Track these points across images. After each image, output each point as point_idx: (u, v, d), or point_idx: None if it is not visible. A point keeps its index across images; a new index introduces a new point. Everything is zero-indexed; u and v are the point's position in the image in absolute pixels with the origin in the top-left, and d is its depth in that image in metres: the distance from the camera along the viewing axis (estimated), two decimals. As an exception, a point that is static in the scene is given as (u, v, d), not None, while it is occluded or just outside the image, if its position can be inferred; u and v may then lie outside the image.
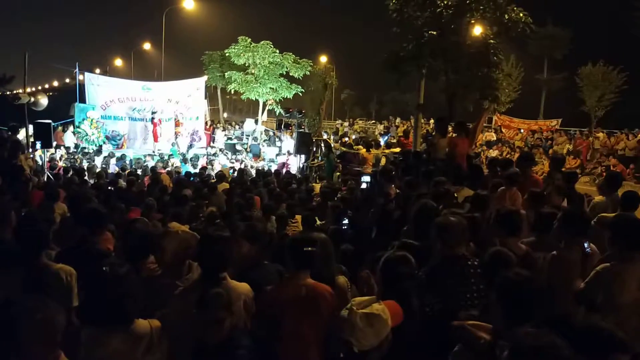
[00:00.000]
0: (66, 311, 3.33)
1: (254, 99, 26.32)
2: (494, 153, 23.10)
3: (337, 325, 2.83)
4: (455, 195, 6.22)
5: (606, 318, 3.44)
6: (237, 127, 29.60)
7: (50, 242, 4.05)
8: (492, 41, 10.76)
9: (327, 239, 3.77)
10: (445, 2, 10.51)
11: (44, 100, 14.73)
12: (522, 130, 25.34)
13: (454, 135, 9.16)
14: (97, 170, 14.86)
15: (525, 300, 2.55)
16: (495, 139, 25.75)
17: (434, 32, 10.78)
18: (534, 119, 27.90)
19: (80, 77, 22.79)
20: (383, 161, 14.94)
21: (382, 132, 30.16)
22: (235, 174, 14.51)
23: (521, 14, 10.50)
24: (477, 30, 10.74)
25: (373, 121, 40.03)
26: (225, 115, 29.28)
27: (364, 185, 8.66)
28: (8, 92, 36.34)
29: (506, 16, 10.54)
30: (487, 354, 2.50)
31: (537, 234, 4.52)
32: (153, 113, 22.24)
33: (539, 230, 4.51)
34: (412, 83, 13.42)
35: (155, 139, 22.19)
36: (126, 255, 4.05)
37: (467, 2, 10.46)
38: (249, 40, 25.08)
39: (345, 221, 6.73)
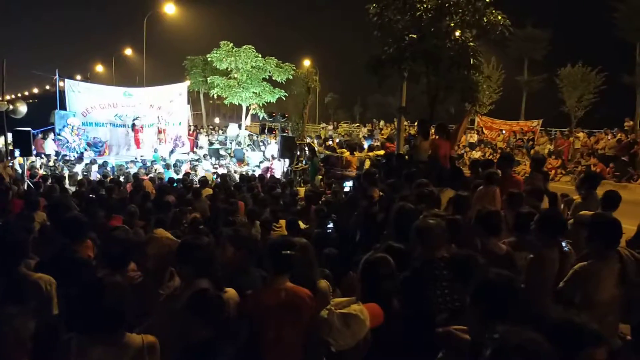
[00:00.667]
0: (48, 320, 3.32)
1: (237, 103, 26.25)
2: (476, 154, 23.33)
3: (316, 326, 2.84)
4: (439, 196, 6.25)
5: (583, 315, 3.50)
6: (220, 132, 29.50)
7: (29, 251, 4.00)
8: (471, 44, 10.84)
9: (307, 243, 3.78)
10: (425, 6, 10.57)
11: (23, 108, 14.54)
12: (503, 132, 25.64)
13: (436, 137, 9.22)
14: (79, 177, 14.70)
15: (504, 300, 2.58)
16: (477, 140, 26.01)
17: (414, 36, 10.84)
18: (516, 119, 28.23)
19: (61, 83, 22.54)
20: (367, 164, 15.01)
21: (366, 135, 30.30)
22: (219, 179, 14.46)
23: (500, 17, 10.59)
24: (457, 33, 10.83)
25: (357, 124, 40.17)
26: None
27: (347, 189, 8.67)
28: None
29: (485, 19, 10.63)
30: (472, 356, 2.52)
31: (517, 234, 4.57)
32: (135, 119, 22.09)
33: (519, 231, 4.57)
34: (395, 86, 13.48)
35: (138, 145, 22.03)
36: (106, 263, 4.01)
37: (447, 5, 10.54)
38: (231, 44, 25.03)
39: (330, 225, 6.74)
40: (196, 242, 3.56)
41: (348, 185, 8.74)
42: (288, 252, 3.30)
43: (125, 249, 4.01)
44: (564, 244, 4.08)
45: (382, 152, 17.07)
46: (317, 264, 3.88)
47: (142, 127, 22.22)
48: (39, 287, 3.44)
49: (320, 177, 14.54)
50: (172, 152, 22.05)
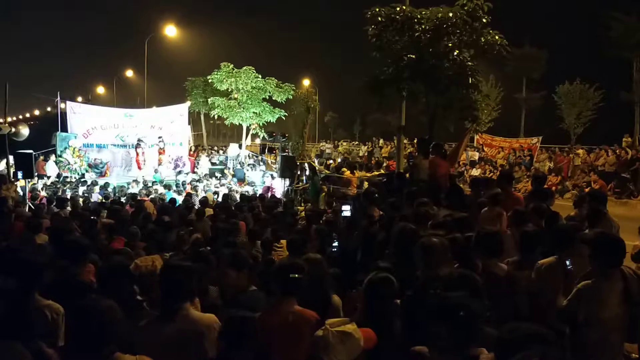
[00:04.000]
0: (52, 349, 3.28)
1: (237, 123, 26.38)
2: (476, 172, 23.36)
3: (312, 345, 2.85)
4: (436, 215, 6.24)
5: (589, 334, 3.50)
6: (220, 151, 29.58)
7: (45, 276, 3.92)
8: (469, 63, 10.94)
9: (320, 258, 3.79)
10: (423, 27, 10.69)
11: (25, 131, 14.64)
12: (503, 149, 25.68)
13: (432, 156, 9.26)
14: (80, 199, 14.70)
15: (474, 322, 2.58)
16: (477, 157, 26.05)
17: (413, 56, 10.95)
18: (515, 137, 28.31)
19: (62, 105, 22.66)
20: (366, 185, 15.02)
21: (366, 153, 30.42)
22: (220, 199, 14.45)
23: (497, 37, 10.72)
24: (455, 53, 10.92)
25: (357, 142, 40.33)
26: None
27: (346, 213, 8.58)
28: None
29: (482, 39, 10.75)
30: None
31: (523, 254, 4.55)
32: (139, 141, 22.20)
33: (525, 250, 4.54)
34: (394, 104, 13.58)
35: (139, 166, 22.09)
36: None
37: (444, 26, 10.65)
38: (232, 66, 25.23)
39: (336, 244, 6.70)
40: (179, 266, 3.40)
41: (345, 209, 8.59)
42: (296, 275, 3.28)
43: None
44: (567, 262, 4.07)
45: (382, 172, 17.11)
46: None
47: (143, 152, 22.34)
48: (45, 316, 3.36)
49: (324, 194, 14.51)
50: (179, 172, 22.15)
